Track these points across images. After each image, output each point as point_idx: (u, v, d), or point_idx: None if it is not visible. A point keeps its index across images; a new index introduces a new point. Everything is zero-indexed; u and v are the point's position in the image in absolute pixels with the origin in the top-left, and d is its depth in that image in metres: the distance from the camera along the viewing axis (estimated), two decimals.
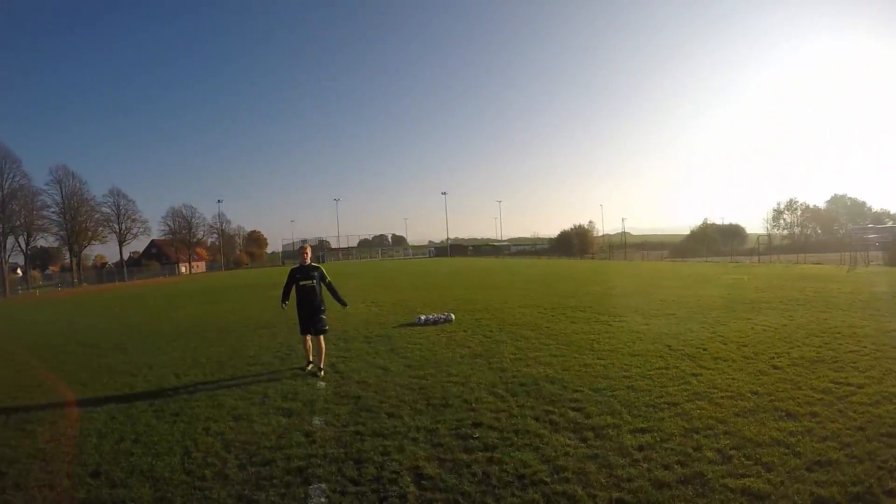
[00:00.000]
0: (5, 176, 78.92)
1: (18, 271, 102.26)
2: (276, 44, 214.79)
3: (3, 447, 6.83)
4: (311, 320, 9.92)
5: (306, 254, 10.30)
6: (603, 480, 5.00)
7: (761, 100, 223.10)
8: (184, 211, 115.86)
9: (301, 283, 10.01)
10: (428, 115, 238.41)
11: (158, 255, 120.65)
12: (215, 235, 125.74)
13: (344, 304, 10.71)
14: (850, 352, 9.50)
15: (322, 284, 10.18)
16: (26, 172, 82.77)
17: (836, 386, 7.48)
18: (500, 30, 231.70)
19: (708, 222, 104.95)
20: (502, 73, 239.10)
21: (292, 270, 10.22)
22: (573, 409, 6.94)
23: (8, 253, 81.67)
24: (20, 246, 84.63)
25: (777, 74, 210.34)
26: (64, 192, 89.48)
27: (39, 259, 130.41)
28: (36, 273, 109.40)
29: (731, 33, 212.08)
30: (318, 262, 10.77)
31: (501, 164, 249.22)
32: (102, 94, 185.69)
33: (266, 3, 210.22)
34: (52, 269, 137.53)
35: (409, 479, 5.25)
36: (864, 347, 9.76)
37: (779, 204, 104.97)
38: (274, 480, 5.37)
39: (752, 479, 4.85)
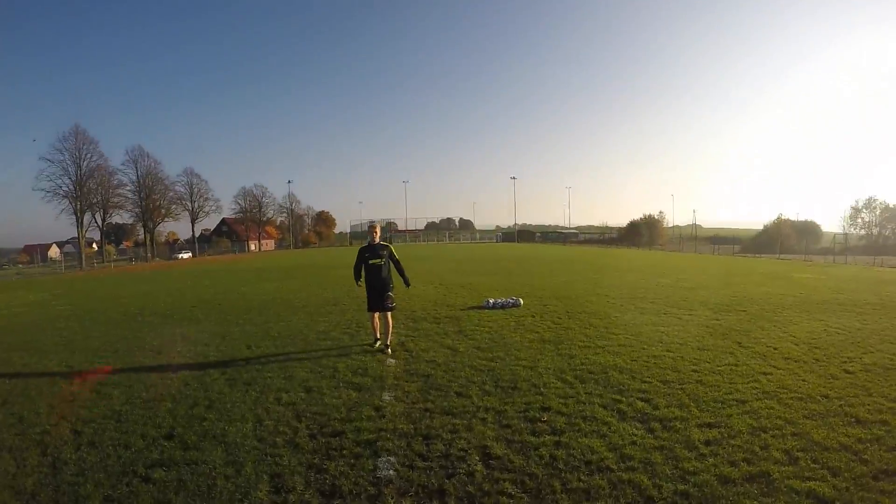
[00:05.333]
0: (83, 156, 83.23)
1: (94, 246, 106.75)
2: (344, 27, 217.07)
3: (79, 408, 7.20)
4: (379, 298, 10.07)
5: (375, 233, 10.38)
6: (668, 472, 4.94)
7: (842, 91, 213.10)
8: (254, 191, 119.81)
9: (370, 261, 10.14)
10: (496, 97, 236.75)
11: (229, 233, 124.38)
12: (285, 215, 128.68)
13: (407, 283, 10.70)
14: None
15: (391, 262, 10.30)
16: (103, 153, 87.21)
17: None
18: (568, 23, 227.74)
19: (782, 218, 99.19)
20: (569, 59, 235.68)
21: (361, 249, 10.35)
22: (641, 400, 6.89)
23: (85, 228, 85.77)
24: (96, 222, 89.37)
25: (857, 64, 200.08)
26: (139, 172, 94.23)
27: (114, 235, 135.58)
28: (110, 248, 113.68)
29: (809, 21, 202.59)
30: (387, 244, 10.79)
31: (571, 149, 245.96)
32: (179, 81, 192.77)
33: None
34: (125, 244, 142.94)
35: (476, 458, 5.28)
36: None
37: (857, 202, 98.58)
38: (343, 451, 5.47)
39: (817, 482, 4.72)
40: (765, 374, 8.19)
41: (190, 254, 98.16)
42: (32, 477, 5.26)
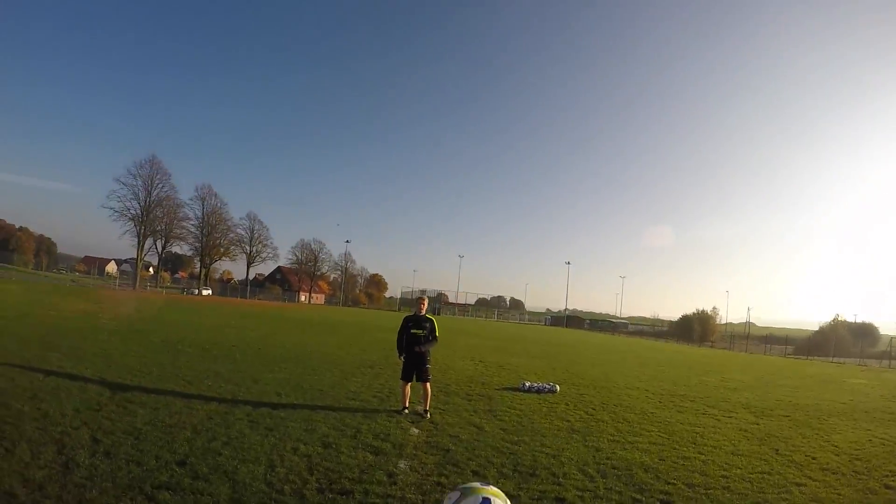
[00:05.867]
0: (155, 184, 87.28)
1: (150, 270, 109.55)
2: (413, 105, 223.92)
3: (104, 419, 7.38)
4: (416, 368, 10.19)
5: (423, 305, 10.59)
6: None
7: None
8: (313, 245, 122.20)
9: (412, 330, 10.31)
10: (561, 183, 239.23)
11: (282, 281, 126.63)
12: (339, 272, 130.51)
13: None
14: None
15: (431, 336, 10.41)
16: (174, 185, 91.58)
17: None
18: (639, 102, 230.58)
19: (839, 319, 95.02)
20: (632, 149, 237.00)
21: (406, 318, 10.55)
22: (662, 501, 6.60)
23: (145, 252, 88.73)
24: (156, 248, 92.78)
25: None
26: (205, 209, 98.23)
27: (171, 263, 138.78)
28: (166, 275, 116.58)
29: (860, 113, 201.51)
30: (434, 315, 10.91)
31: (628, 238, 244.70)
32: (260, 129, 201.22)
33: (402, 71, 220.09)
34: (181, 274, 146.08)
35: None
36: None
37: None
38: None
39: None
40: (798, 484, 7.80)
41: (210, 291, 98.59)
42: (44, 471, 5.40)
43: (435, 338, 10.47)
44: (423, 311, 10.46)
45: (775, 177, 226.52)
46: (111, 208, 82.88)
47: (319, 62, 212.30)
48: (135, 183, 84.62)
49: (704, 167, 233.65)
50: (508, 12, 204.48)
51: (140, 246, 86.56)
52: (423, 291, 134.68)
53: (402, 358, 10.42)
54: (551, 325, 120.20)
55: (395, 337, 10.59)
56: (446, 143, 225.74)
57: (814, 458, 9.42)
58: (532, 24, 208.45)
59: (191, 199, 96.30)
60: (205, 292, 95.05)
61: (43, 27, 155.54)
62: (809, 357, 59.65)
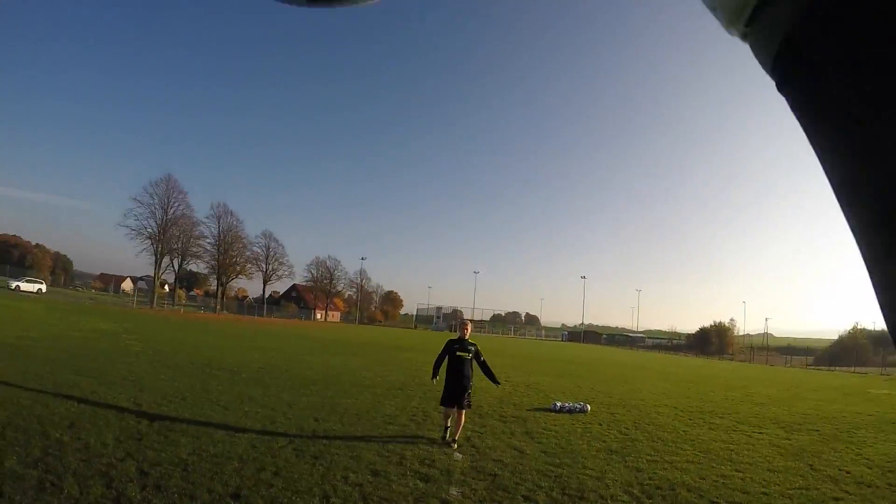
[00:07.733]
0: (171, 203, 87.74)
1: (166, 287, 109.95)
2: (430, 121, 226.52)
3: (147, 449, 7.23)
4: (457, 394, 9.84)
5: (466, 329, 10.39)
6: None
7: None
8: (328, 262, 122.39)
9: (458, 353, 10.05)
10: (574, 196, 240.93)
11: (297, 299, 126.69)
12: (354, 289, 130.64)
13: (497, 382, 10.70)
14: None
15: (476, 362, 10.22)
16: (190, 204, 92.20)
17: None
18: (653, 120, 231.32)
19: (858, 327, 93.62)
20: (646, 162, 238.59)
21: (450, 341, 10.31)
22: None
23: (162, 270, 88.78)
24: (173, 266, 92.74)
25: None
26: (221, 227, 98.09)
27: (186, 281, 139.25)
28: (181, 293, 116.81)
29: None
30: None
31: (643, 251, 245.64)
32: (274, 145, 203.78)
33: (410, 88, 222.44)
34: (196, 291, 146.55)
35: None
36: None
37: None
38: None
39: None
40: (836, 499, 7.96)
41: (43, 287, 78.12)
42: None
43: (483, 362, 10.36)
44: (468, 336, 10.25)
45: (792, 185, 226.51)
46: (128, 226, 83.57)
47: (335, 75, 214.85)
48: (151, 202, 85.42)
49: (721, 177, 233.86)
50: (523, 21, 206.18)
51: (157, 264, 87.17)
52: (440, 308, 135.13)
53: (434, 380, 10.31)
54: (568, 340, 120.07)
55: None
56: (462, 159, 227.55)
57: (848, 472, 9.58)
58: (547, 31, 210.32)
59: (206, 218, 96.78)
60: (29, 286, 73.02)
61: (53, 39, 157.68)
62: (831, 368, 59.41)
